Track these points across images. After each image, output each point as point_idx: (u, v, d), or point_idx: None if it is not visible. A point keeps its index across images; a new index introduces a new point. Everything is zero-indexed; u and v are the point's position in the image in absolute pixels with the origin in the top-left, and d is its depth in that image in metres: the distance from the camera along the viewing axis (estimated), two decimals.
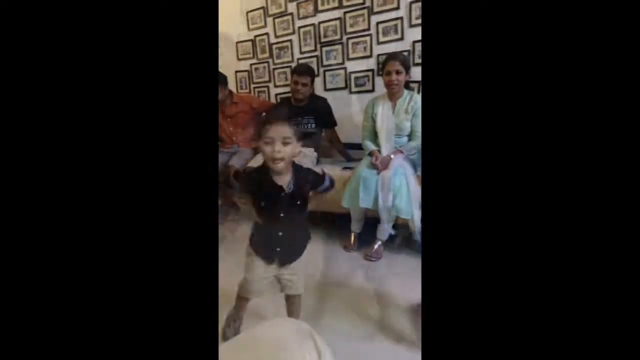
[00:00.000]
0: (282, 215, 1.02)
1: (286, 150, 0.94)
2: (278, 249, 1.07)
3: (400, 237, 1.97)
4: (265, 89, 3.16)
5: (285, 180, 1.00)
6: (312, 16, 2.74)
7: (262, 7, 2.94)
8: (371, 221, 1.97)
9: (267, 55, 3.05)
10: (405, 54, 2.27)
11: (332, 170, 2.17)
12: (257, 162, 2.39)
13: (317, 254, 1.95)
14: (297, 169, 1.04)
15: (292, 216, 1.05)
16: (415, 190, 1.78)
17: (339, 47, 2.69)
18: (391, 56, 1.92)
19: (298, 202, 1.04)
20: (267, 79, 3.12)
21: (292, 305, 1.18)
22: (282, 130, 0.93)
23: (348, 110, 2.60)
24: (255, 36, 3.06)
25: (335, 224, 2.16)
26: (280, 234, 1.04)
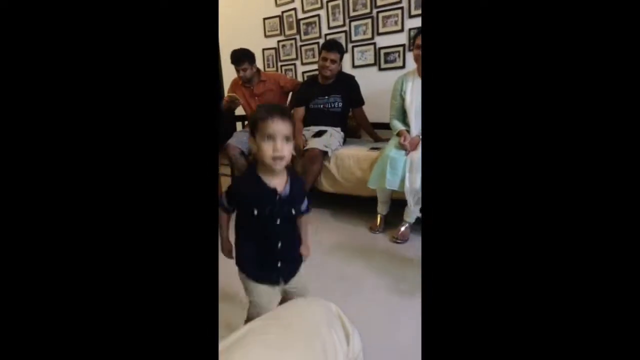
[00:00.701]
0: (278, 223, 0.92)
1: (288, 148, 0.87)
2: (279, 264, 0.96)
3: None
4: (292, 66, 3.11)
5: (280, 183, 0.92)
6: None
7: None
8: (398, 203, 1.93)
9: (294, 31, 2.99)
10: None
11: (359, 150, 2.14)
12: None
13: (342, 235, 1.95)
14: (291, 174, 0.96)
15: (289, 224, 0.97)
16: None
17: (368, 21, 2.58)
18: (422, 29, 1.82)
19: (293, 211, 0.96)
20: (294, 56, 3.07)
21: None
22: (284, 127, 0.85)
23: (377, 88, 2.51)
24: (283, 12, 2.99)
25: (361, 205, 2.14)
26: (280, 244, 0.94)
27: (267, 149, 0.85)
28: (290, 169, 0.94)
